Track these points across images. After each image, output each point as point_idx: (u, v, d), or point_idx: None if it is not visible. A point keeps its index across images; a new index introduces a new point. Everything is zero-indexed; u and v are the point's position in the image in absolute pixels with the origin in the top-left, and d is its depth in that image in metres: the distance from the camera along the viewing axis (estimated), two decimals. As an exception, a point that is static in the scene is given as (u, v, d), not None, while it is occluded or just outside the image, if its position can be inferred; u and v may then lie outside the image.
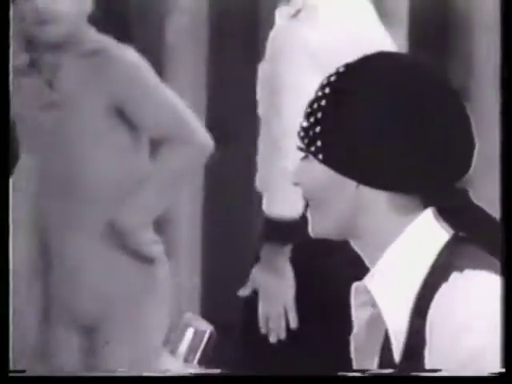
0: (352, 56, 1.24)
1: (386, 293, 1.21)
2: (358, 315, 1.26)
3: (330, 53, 2.27)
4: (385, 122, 1.18)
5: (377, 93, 1.18)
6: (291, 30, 2.41)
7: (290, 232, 2.32)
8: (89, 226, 2.46)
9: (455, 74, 3.69)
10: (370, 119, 1.19)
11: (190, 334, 1.15)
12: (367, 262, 1.24)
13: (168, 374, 1.22)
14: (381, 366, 1.27)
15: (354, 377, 1.27)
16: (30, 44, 2.46)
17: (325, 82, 1.22)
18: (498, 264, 1.23)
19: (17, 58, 2.42)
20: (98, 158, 2.46)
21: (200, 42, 3.78)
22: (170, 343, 1.13)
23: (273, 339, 2.36)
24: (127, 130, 2.48)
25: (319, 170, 1.21)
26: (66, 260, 2.47)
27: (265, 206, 2.40)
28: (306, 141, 1.21)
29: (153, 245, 2.55)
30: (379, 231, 1.23)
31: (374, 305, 1.22)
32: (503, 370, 1.24)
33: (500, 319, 1.22)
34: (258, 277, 2.39)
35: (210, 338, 1.15)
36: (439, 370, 1.22)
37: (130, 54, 2.51)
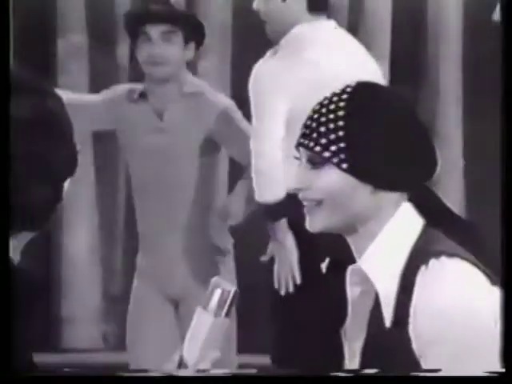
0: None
1: (377, 272, 1.54)
2: (352, 291, 1.58)
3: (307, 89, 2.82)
4: (387, 139, 1.52)
5: (378, 115, 1.53)
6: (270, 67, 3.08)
7: (277, 211, 3.04)
8: (177, 223, 3.22)
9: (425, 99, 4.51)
10: (382, 135, 1.52)
11: (218, 293, 1.45)
12: (354, 251, 1.54)
13: (167, 374, 1.46)
14: (368, 332, 1.59)
15: (353, 377, 1.48)
16: (144, 79, 3.26)
17: (333, 106, 1.53)
18: (469, 254, 1.56)
19: (132, 90, 3.27)
20: (190, 173, 3.21)
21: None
22: (204, 301, 1.45)
23: (283, 292, 3.10)
24: (213, 154, 3.27)
25: (338, 178, 1.51)
26: (158, 247, 3.24)
27: (256, 195, 3.08)
28: (325, 154, 1.50)
29: (228, 240, 3.37)
30: (371, 223, 1.55)
31: (365, 283, 1.55)
32: (503, 370, 1.43)
33: (500, 322, 1.51)
34: (272, 247, 3.13)
35: (234, 296, 1.44)
36: (439, 370, 1.44)
37: (222, 99, 3.31)
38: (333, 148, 1.52)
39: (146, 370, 1.52)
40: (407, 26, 4.59)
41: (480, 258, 1.60)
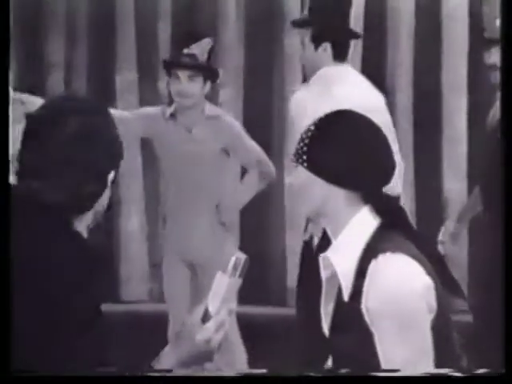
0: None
1: (340, 260, 1.91)
2: (324, 272, 1.98)
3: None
4: (345, 150, 1.90)
5: (342, 133, 1.93)
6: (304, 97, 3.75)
7: None
8: (199, 208, 4.02)
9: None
10: (337, 145, 1.92)
11: (233, 260, 1.71)
12: (330, 234, 1.97)
13: (167, 374, 1.53)
14: (336, 302, 1.94)
15: (354, 376, 1.50)
16: (173, 103, 4.05)
17: (311, 125, 1.97)
18: (412, 246, 1.89)
19: (164, 110, 4.06)
20: (211, 174, 4.02)
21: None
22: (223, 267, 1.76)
23: None
24: (225, 159, 4.10)
25: (303, 173, 1.95)
26: (183, 225, 4.05)
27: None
28: (295, 157, 1.96)
29: (233, 220, 4.28)
30: (338, 215, 1.94)
31: (332, 268, 1.92)
32: (503, 371, 1.37)
33: (500, 322, 1.82)
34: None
35: (245, 262, 1.71)
36: (439, 369, 1.47)
37: (233, 121, 4.18)
38: (299, 152, 1.95)
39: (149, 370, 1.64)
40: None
41: (423, 252, 1.92)
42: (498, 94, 3.66)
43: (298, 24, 3.90)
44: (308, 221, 3.57)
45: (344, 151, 1.94)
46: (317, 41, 3.72)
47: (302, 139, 1.97)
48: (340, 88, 3.63)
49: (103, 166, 1.71)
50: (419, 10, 5.02)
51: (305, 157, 1.95)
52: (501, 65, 2.37)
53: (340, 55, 3.79)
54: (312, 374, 1.65)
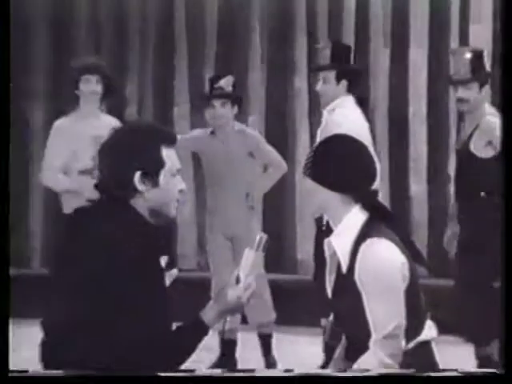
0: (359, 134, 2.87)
1: (339, 243, 2.40)
2: (327, 253, 2.44)
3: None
4: (340, 165, 2.37)
5: (337, 152, 2.40)
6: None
7: None
8: (233, 196, 4.91)
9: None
10: (332, 161, 2.39)
11: (258, 238, 2.30)
12: (331, 225, 2.44)
13: (166, 374, 1.58)
14: (336, 273, 2.43)
15: (354, 376, 1.50)
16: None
17: (315, 147, 2.51)
18: (391, 232, 2.34)
19: (207, 130, 5.03)
20: (241, 171, 4.93)
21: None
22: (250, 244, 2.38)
23: None
24: (252, 160, 4.98)
25: (309, 182, 2.42)
26: (222, 210, 4.95)
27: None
28: (304, 170, 2.44)
29: (258, 203, 5.19)
30: (336, 211, 2.41)
31: (333, 249, 2.42)
32: (503, 371, 1.37)
33: (500, 322, 2.01)
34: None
35: (266, 240, 2.32)
36: (441, 371, 1.46)
37: (256, 133, 5.23)
38: (307, 166, 2.45)
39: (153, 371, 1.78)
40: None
41: (399, 235, 2.39)
42: (465, 122, 4.52)
43: (324, 68, 4.76)
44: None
45: (339, 166, 2.37)
46: (339, 78, 4.64)
47: (308, 157, 2.44)
48: (353, 112, 4.66)
49: (152, 167, 2.31)
50: (393, 63, 6.39)
51: (310, 170, 2.41)
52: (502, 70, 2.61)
53: (351, 88, 4.75)
54: (313, 374, 1.59)
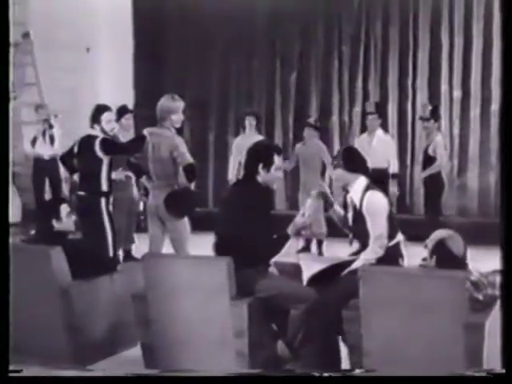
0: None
1: (354, 195, 4.49)
2: (348, 200, 4.56)
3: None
4: (353, 160, 4.67)
5: (350, 154, 4.69)
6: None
7: None
8: (313, 175, 8.13)
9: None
10: (350, 159, 4.58)
11: (313, 193, 4.58)
12: (349, 188, 4.54)
13: (166, 374, 1.67)
14: (353, 210, 4.56)
15: (355, 376, 1.48)
16: None
17: (340, 150, 5.00)
18: (380, 188, 4.49)
19: None
20: (317, 162, 8.53)
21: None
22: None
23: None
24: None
25: (339, 170, 4.54)
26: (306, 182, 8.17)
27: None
28: (335, 162, 4.61)
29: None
30: (352, 181, 4.51)
31: (352, 198, 4.51)
32: (503, 370, 1.36)
33: (499, 323, 2.72)
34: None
35: (319, 194, 4.70)
36: (441, 371, 1.43)
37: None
38: (336, 160, 4.60)
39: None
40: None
41: (384, 190, 4.73)
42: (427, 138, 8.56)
43: (372, 113, 8.77)
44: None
45: (353, 160, 4.51)
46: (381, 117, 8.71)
47: (336, 156, 4.70)
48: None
49: None
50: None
51: (339, 162, 4.50)
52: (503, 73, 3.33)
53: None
54: (313, 374, 1.58)
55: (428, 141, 8.40)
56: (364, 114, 9.36)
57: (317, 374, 1.70)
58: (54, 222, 4.77)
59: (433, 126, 8.35)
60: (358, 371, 1.90)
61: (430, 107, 8.60)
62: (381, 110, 8.91)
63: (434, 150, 8.21)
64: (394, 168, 8.46)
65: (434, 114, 8.56)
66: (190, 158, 5.63)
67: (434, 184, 8.23)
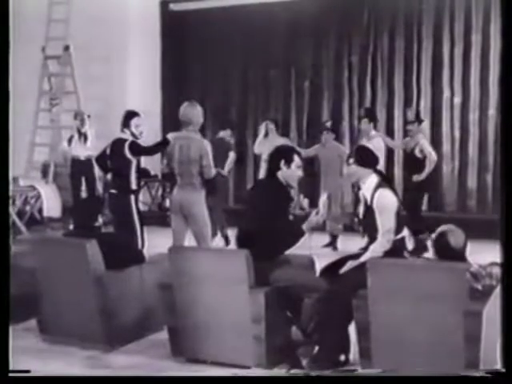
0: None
1: (366, 192, 4.34)
2: (361, 197, 4.43)
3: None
4: (365, 157, 4.50)
5: (362, 151, 4.58)
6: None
7: None
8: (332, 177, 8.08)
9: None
10: (362, 156, 4.44)
11: (325, 195, 5.15)
12: (361, 185, 4.40)
13: (165, 374, 1.60)
14: (364, 206, 4.42)
15: (356, 376, 1.37)
16: None
17: (354, 149, 4.72)
18: (390, 186, 4.34)
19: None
20: (338, 165, 8.04)
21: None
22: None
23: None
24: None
25: (354, 166, 4.39)
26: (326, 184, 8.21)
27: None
28: (350, 160, 4.44)
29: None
30: (364, 177, 4.36)
31: (364, 195, 4.37)
32: (503, 370, 1.28)
33: (499, 323, 2.56)
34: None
35: (330, 195, 5.30)
36: (441, 371, 1.36)
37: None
38: (351, 157, 4.41)
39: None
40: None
41: (393, 189, 4.34)
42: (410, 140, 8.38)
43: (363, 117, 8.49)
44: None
45: (366, 156, 4.40)
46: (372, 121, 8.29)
47: (350, 155, 4.53)
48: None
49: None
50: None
51: (355, 158, 4.36)
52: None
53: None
54: (314, 374, 1.49)
55: (413, 143, 8.20)
56: (359, 119, 9.03)
57: (316, 375, 1.59)
58: (95, 218, 4.75)
59: (416, 129, 8.27)
60: (358, 371, 1.84)
61: (414, 111, 8.97)
62: (371, 114, 8.49)
63: (420, 150, 8.09)
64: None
65: (417, 118, 8.77)
66: (213, 171, 5.65)
67: (420, 183, 8.03)
